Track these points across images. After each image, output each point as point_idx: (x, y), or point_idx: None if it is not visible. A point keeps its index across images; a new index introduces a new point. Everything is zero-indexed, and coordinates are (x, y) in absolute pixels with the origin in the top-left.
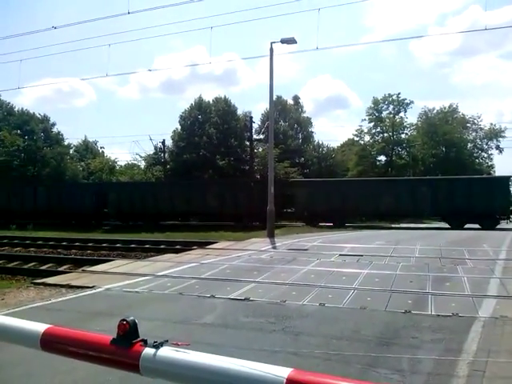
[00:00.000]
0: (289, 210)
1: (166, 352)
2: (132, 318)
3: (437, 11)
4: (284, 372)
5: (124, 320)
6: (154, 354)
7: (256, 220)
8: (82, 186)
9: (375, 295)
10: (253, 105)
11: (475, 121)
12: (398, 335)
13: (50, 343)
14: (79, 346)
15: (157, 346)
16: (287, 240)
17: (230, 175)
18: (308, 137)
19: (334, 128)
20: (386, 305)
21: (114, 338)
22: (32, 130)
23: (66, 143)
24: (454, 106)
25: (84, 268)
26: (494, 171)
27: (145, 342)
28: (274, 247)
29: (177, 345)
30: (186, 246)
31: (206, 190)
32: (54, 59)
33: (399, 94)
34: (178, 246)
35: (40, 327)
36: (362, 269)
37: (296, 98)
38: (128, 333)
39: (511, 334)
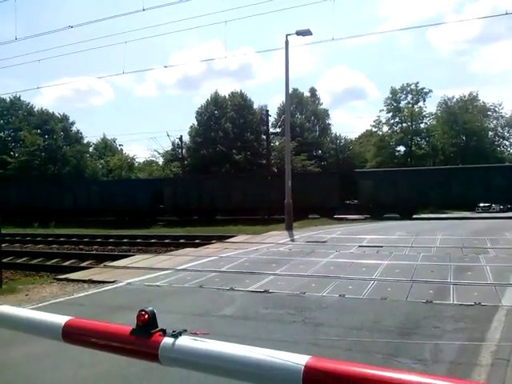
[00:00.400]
0: (352, 202)
1: (184, 341)
2: (151, 308)
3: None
4: (303, 359)
5: (143, 310)
6: (173, 344)
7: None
8: (137, 183)
9: (396, 286)
10: (269, 98)
11: (496, 108)
12: (420, 325)
13: (71, 335)
14: (99, 337)
15: (175, 336)
16: (306, 233)
17: (246, 169)
18: (325, 129)
19: (352, 119)
20: (407, 295)
21: (133, 329)
22: (52, 129)
23: (85, 141)
24: (474, 94)
25: (105, 263)
26: None
27: (164, 332)
28: (293, 240)
29: (195, 334)
30: (205, 240)
31: (267, 185)
32: (71, 59)
33: (417, 83)
34: (197, 241)
35: (61, 319)
36: (381, 260)
37: (313, 91)
38: (147, 323)
39: None
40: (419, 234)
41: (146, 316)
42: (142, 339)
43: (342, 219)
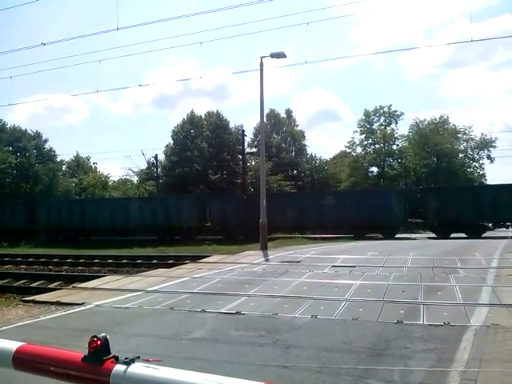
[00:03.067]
0: (416, 220)
1: (136, 369)
2: (103, 334)
3: (424, 26)
4: None
5: (95, 336)
6: (125, 371)
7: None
8: (180, 199)
9: (367, 306)
10: (246, 118)
11: (466, 131)
12: (390, 346)
13: (23, 361)
14: (51, 364)
15: (128, 363)
16: (280, 252)
17: (222, 189)
18: (301, 149)
19: (326, 140)
20: (378, 315)
21: (85, 356)
22: (24, 147)
23: (58, 159)
24: (445, 117)
25: (74, 284)
26: (486, 180)
27: (116, 359)
28: (267, 260)
29: (148, 361)
30: (179, 261)
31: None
32: (45, 76)
33: (390, 106)
34: (170, 261)
35: (12, 345)
36: (354, 280)
37: (288, 112)
38: (99, 350)
39: (503, 342)
40: (391, 253)
41: (99, 342)
42: (94, 366)
43: (316, 239)
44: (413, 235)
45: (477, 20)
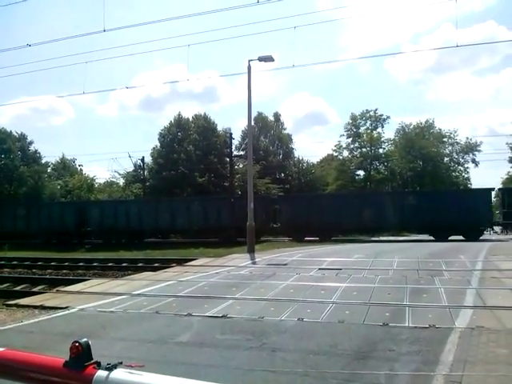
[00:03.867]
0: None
1: (119, 374)
2: (85, 339)
3: (410, 31)
4: None
5: (76, 342)
6: (107, 377)
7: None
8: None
9: (353, 308)
10: (234, 121)
11: (451, 135)
12: (376, 348)
13: (2, 367)
14: (32, 371)
15: (110, 369)
16: (267, 255)
17: (210, 192)
18: (288, 153)
19: (313, 144)
20: (364, 318)
21: (66, 361)
22: (9, 149)
23: (43, 161)
24: (431, 121)
25: (58, 288)
26: (471, 184)
27: (98, 365)
28: (254, 263)
29: (130, 366)
30: (165, 264)
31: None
32: (31, 77)
33: (376, 109)
34: (156, 264)
35: None
36: (340, 282)
37: (276, 115)
38: (81, 355)
39: (487, 344)
40: (377, 256)
41: (80, 348)
42: (75, 372)
43: (304, 241)
44: None
45: (462, 26)
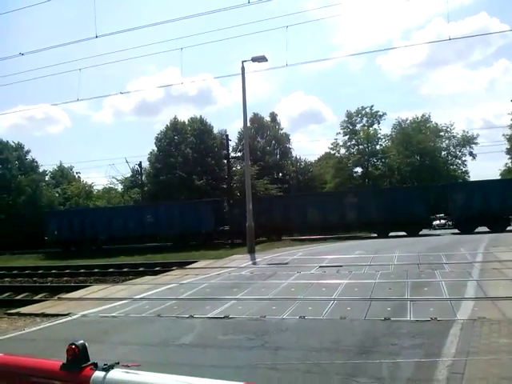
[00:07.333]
0: None
1: (116, 374)
2: (81, 341)
3: (401, 27)
4: None
5: (73, 344)
6: (104, 377)
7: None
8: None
9: (355, 304)
10: (230, 123)
11: (448, 129)
12: (378, 343)
13: (1, 373)
14: (30, 374)
15: (107, 369)
16: (268, 255)
17: (208, 194)
18: (286, 152)
19: (310, 143)
20: (366, 313)
21: (63, 363)
22: (6, 159)
23: (40, 170)
24: (427, 115)
25: (59, 295)
26: (469, 177)
27: (95, 366)
28: (255, 263)
29: (127, 366)
30: (166, 267)
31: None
32: (25, 86)
33: (372, 106)
34: (157, 268)
35: None
36: (341, 279)
37: (273, 115)
38: (77, 357)
39: (489, 334)
40: (378, 252)
41: (77, 350)
42: (73, 374)
43: (303, 240)
44: None
45: (454, 19)
